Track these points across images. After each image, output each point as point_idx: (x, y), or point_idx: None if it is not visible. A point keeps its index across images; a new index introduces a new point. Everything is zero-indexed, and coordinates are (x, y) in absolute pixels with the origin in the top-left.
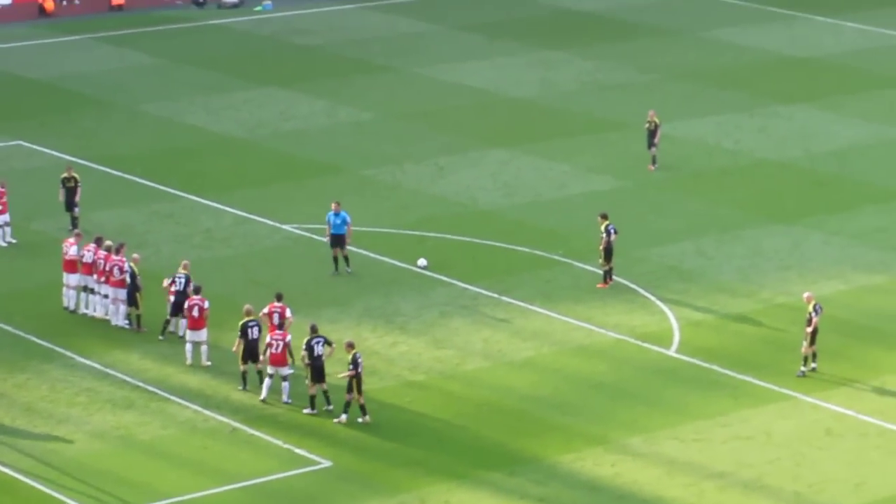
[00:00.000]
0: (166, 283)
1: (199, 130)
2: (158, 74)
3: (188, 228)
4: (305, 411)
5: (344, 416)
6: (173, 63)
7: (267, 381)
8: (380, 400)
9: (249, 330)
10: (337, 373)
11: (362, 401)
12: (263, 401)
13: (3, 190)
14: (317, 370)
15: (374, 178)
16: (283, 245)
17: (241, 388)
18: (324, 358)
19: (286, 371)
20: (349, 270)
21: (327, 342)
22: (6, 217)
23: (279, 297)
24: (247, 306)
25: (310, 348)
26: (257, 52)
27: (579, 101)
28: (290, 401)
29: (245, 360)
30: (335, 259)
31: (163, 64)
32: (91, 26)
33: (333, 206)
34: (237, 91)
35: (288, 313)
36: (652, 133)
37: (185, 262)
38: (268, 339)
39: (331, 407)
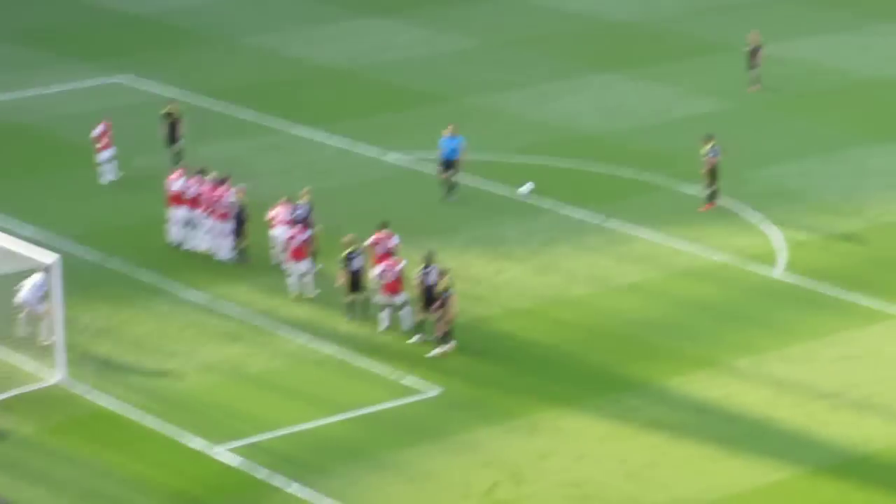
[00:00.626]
0: (273, 212)
1: (301, 61)
2: (257, 6)
3: (292, 160)
4: (414, 339)
5: (448, 345)
6: None
7: (386, 311)
8: (487, 327)
9: (351, 260)
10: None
11: (445, 329)
12: (386, 330)
13: (108, 125)
14: (427, 299)
15: (477, 105)
16: (386, 175)
17: (348, 318)
18: (437, 288)
19: (401, 299)
20: (452, 199)
21: (442, 271)
22: (109, 153)
23: (384, 226)
24: (347, 236)
25: (422, 277)
26: None
27: (682, 24)
28: (412, 328)
29: (350, 290)
30: (445, 183)
31: None
32: None
33: (448, 129)
34: (338, 21)
35: (394, 241)
36: (752, 54)
37: (305, 189)
38: (381, 268)
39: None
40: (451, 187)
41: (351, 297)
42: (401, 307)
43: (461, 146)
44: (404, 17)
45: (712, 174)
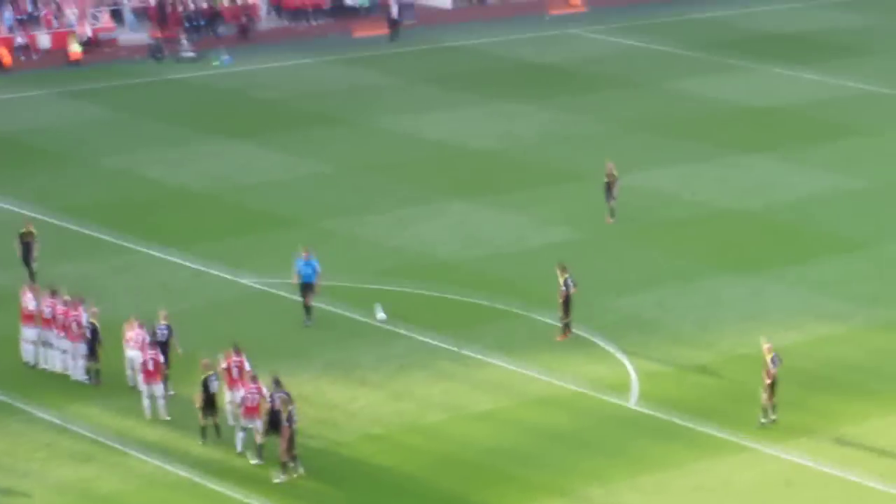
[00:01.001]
0: (130, 334)
1: (158, 184)
2: (117, 128)
3: (146, 281)
4: (276, 480)
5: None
6: (132, 117)
7: (240, 434)
8: (340, 453)
9: (210, 384)
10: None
11: (286, 458)
12: (241, 453)
13: None
14: (275, 423)
15: (334, 230)
16: (241, 298)
17: (201, 441)
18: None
19: (258, 423)
20: (309, 322)
21: (284, 397)
22: None
23: (237, 350)
24: (205, 360)
25: (273, 400)
26: (216, 106)
27: (540, 153)
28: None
29: (206, 413)
30: (306, 308)
31: (121, 118)
32: (49, 81)
33: (304, 253)
34: (196, 144)
35: (247, 366)
36: (610, 186)
37: (163, 311)
38: (243, 393)
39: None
40: (307, 310)
41: (205, 421)
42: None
43: (317, 269)
44: (262, 141)
45: (567, 304)
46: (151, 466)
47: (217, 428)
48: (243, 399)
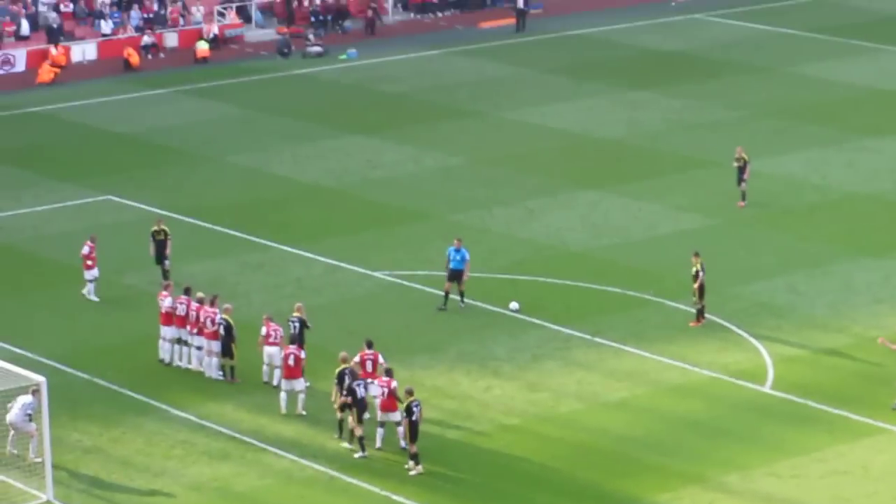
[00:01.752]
0: (265, 330)
1: (287, 180)
2: (245, 125)
3: (279, 278)
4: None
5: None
6: (259, 114)
7: (379, 429)
8: (475, 444)
9: (344, 378)
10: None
11: (414, 449)
12: (379, 449)
13: (92, 245)
14: (413, 432)
15: (463, 223)
16: (374, 292)
17: (336, 436)
18: (419, 422)
19: (396, 416)
20: (463, 305)
21: (420, 409)
22: (95, 272)
23: (370, 345)
24: (343, 353)
25: (408, 410)
26: (343, 101)
27: (667, 141)
28: (404, 445)
29: (342, 408)
30: (446, 294)
31: (249, 115)
32: (176, 79)
33: (455, 242)
34: (324, 140)
35: (380, 359)
36: (741, 170)
37: (298, 304)
38: (378, 387)
39: (419, 468)
40: (459, 295)
41: (342, 415)
42: (398, 423)
43: (466, 258)
44: (389, 136)
45: (700, 291)
46: (288, 462)
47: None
48: (380, 394)
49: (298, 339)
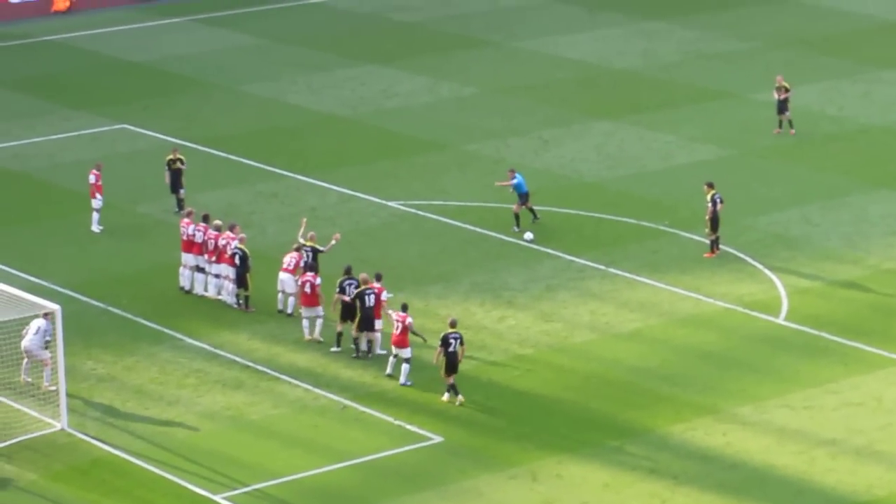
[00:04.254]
0: (288, 259)
1: (302, 109)
2: (259, 54)
3: (293, 207)
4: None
5: (460, 396)
6: (274, 43)
7: (391, 359)
8: (489, 374)
9: (366, 297)
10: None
11: (451, 381)
12: (389, 375)
13: (98, 173)
14: (451, 364)
15: (478, 152)
16: (388, 222)
17: (334, 348)
18: (460, 357)
19: (407, 353)
20: (538, 219)
21: (461, 341)
22: (98, 202)
23: (378, 278)
24: (362, 275)
25: (444, 342)
26: (358, 30)
27: (681, 72)
28: (409, 383)
29: (343, 319)
30: (516, 216)
31: (263, 44)
32: (190, 8)
33: (509, 173)
34: (338, 69)
35: (384, 295)
36: (783, 99)
37: (311, 233)
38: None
39: (460, 398)
40: (531, 212)
41: (342, 327)
42: (406, 360)
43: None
44: (404, 65)
45: (714, 222)
46: (301, 391)
47: (370, 344)
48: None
49: (312, 268)
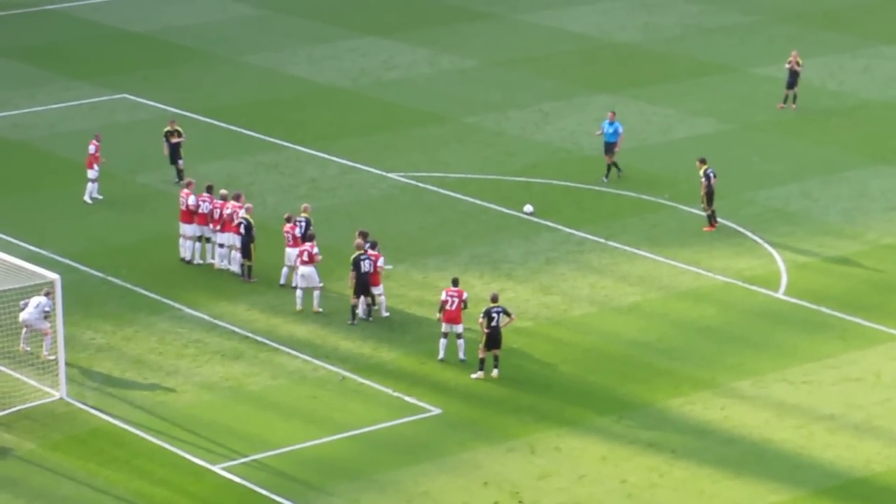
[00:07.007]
0: (287, 227)
1: (302, 81)
2: (260, 25)
3: (293, 178)
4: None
5: (495, 370)
6: (275, 14)
7: (442, 340)
8: None
9: (361, 263)
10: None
11: (496, 353)
12: (442, 360)
13: (97, 144)
14: (492, 338)
15: (478, 125)
16: (388, 194)
17: (350, 322)
18: (501, 328)
19: (460, 328)
20: (620, 173)
21: (506, 313)
22: (94, 173)
23: (374, 245)
24: (357, 241)
25: (487, 316)
26: (359, 1)
27: (682, 45)
28: (465, 358)
29: (357, 294)
30: (609, 166)
31: (264, 15)
32: None
33: (609, 115)
34: (339, 40)
35: (380, 262)
36: (795, 73)
37: (305, 205)
38: (443, 296)
39: (496, 372)
40: (614, 167)
41: (356, 300)
42: (459, 336)
43: (619, 131)
44: (405, 37)
45: (709, 196)
46: (300, 362)
47: (369, 308)
48: (442, 302)
49: (311, 237)
